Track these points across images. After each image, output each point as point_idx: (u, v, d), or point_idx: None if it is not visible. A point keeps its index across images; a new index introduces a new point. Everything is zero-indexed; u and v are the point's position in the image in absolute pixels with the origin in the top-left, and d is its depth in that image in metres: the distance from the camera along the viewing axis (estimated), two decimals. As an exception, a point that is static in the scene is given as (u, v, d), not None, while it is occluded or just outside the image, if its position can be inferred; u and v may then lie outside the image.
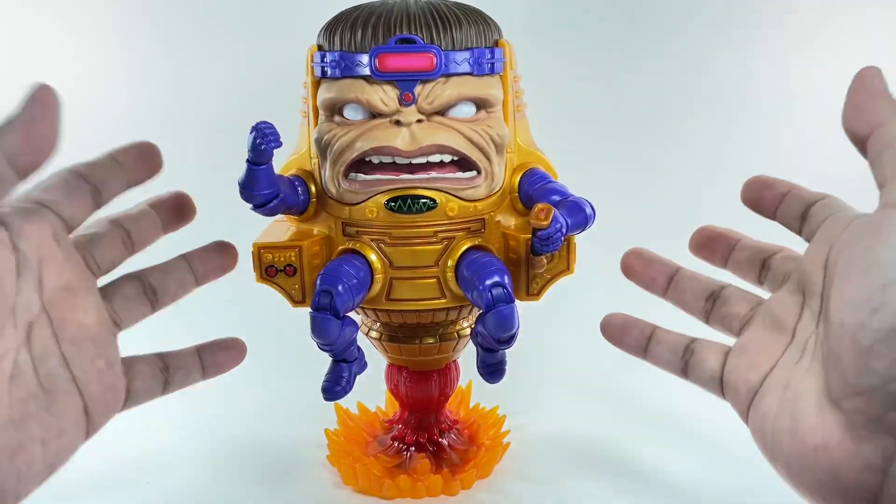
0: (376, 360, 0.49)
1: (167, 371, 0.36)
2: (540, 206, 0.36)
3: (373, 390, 0.52)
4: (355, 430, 0.50)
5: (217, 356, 0.37)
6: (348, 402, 0.51)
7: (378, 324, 0.45)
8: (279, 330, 0.47)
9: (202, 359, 0.37)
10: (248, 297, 0.53)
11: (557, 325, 0.49)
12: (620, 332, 0.39)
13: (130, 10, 0.76)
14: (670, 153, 0.78)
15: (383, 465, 0.46)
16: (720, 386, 0.35)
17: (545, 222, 0.36)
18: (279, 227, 0.44)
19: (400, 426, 0.49)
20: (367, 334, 0.46)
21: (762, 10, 0.77)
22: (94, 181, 0.33)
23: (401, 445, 0.48)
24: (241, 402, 0.57)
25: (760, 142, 0.78)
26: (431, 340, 0.45)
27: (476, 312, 0.45)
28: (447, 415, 0.49)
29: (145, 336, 0.68)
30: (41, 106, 0.29)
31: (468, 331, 0.45)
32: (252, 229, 0.43)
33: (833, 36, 0.78)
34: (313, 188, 0.41)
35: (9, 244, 0.29)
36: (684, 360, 0.36)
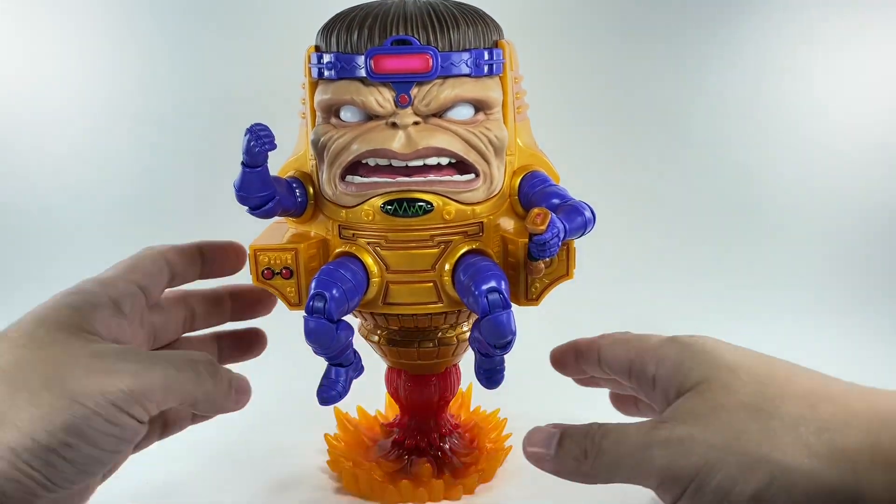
0: (377, 363, 0.48)
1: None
2: (536, 210, 0.36)
3: (373, 394, 0.52)
4: (355, 434, 0.50)
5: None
6: (348, 405, 0.51)
7: (378, 327, 0.45)
8: (276, 334, 0.47)
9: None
10: None
11: (560, 326, 0.49)
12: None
13: (130, 10, 0.76)
14: (672, 154, 0.77)
15: (384, 470, 0.46)
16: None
17: (541, 227, 0.35)
18: (278, 230, 0.43)
19: (400, 431, 0.48)
20: (366, 337, 0.46)
21: (765, 10, 0.76)
22: (176, 270, 0.41)
23: (401, 450, 0.47)
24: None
25: (763, 142, 0.77)
26: (430, 345, 0.44)
27: (473, 317, 0.44)
28: (448, 418, 0.49)
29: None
30: None
31: (467, 335, 0.45)
32: (251, 230, 0.43)
33: (837, 37, 0.76)
34: (311, 190, 0.41)
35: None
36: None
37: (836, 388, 0.31)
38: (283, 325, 0.49)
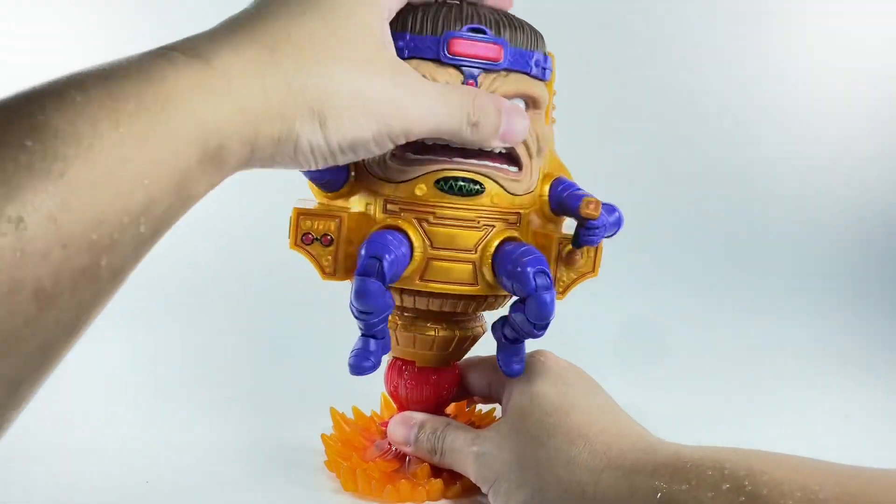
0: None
1: None
2: (588, 198, 0.39)
3: (367, 394, 0.51)
4: (352, 435, 0.48)
5: None
6: (343, 406, 0.50)
7: (396, 311, 0.44)
8: (273, 337, 0.46)
9: None
10: (244, 303, 0.51)
11: (557, 323, 0.50)
12: None
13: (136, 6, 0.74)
14: (674, 155, 0.79)
15: (382, 469, 0.44)
16: None
17: (596, 213, 0.38)
18: (307, 203, 0.43)
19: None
20: None
21: (768, 9, 0.80)
22: None
23: (399, 450, 0.46)
24: (238, 406, 0.55)
25: (765, 138, 0.80)
26: (447, 333, 0.44)
27: (494, 313, 0.45)
28: (444, 415, 0.49)
29: (147, 340, 0.64)
30: None
31: (480, 330, 0.46)
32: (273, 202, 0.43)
33: (839, 35, 0.81)
34: (352, 170, 0.42)
35: None
36: None
37: (597, 427, 0.39)
38: (279, 327, 0.48)
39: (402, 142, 0.35)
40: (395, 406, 0.48)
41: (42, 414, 0.51)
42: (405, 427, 0.45)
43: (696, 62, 0.83)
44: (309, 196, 0.44)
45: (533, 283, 0.38)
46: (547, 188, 0.44)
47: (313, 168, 0.33)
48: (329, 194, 0.42)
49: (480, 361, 0.48)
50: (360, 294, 0.37)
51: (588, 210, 0.38)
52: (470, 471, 0.42)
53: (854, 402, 0.58)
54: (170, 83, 0.27)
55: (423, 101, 0.34)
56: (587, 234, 0.39)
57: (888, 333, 0.69)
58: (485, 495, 0.42)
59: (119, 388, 0.58)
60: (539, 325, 0.39)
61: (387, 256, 0.37)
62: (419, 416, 0.45)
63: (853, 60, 0.84)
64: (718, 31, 0.83)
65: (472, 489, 0.44)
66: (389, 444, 0.46)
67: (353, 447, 0.47)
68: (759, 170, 0.81)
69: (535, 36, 0.42)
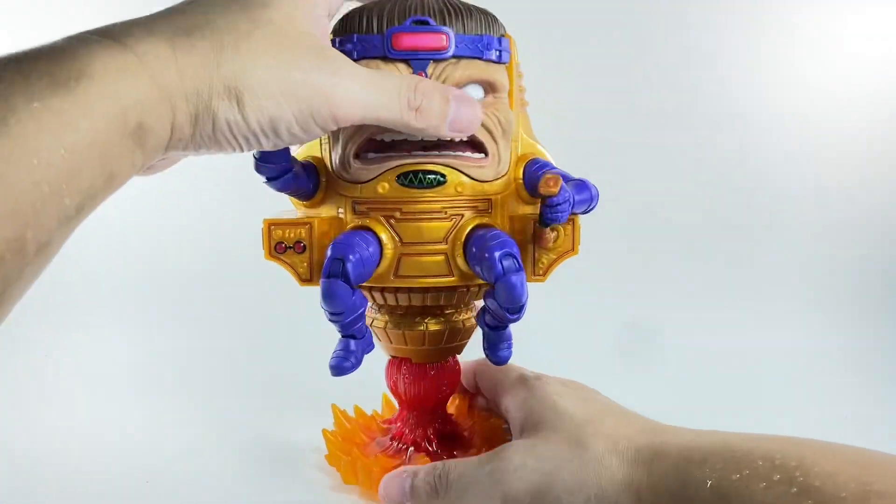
0: (375, 363, 0.48)
1: None
2: (549, 175, 0.38)
3: (370, 393, 0.52)
4: (353, 431, 0.49)
5: None
6: (345, 404, 0.51)
7: (383, 309, 0.45)
8: (274, 334, 0.47)
9: None
10: (245, 301, 0.52)
11: (557, 322, 0.49)
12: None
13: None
14: (672, 149, 0.78)
15: (383, 465, 0.45)
16: None
17: (554, 189, 0.37)
18: (289, 214, 0.44)
19: (398, 424, 0.48)
20: (371, 324, 0.46)
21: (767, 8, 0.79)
22: None
23: (400, 445, 0.46)
24: (239, 403, 0.56)
25: (768, 139, 0.78)
26: (438, 327, 0.44)
27: (479, 302, 0.45)
28: (446, 413, 0.49)
29: (146, 338, 0.67)
30: None
31: (472, 321, 0.46)
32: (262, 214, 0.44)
33: (837, 28, 0.79)
34: (323, 177, 0.42)
35: None
36: None
37: (634, 428, 0.39)
38: (280, 325, 0.49)
39: (333, 127, 0.35)
40: (396, 405, 0.48)
41: (43, 414, 0.55)
42: (398, 480, 0.43)
43: (698, 61, 0.82)
44: (291, 208, 0.45)
45: (500, 266, 0.38)
46: (521, 171, 0.44)
47: (238, 150, 0.34)
48: (306, 203, 0.43)
49: (489, 368, 0.47)
50: (326, 295, 0.38)
51: (547, 187, 0.37)
52: (497, 491, 0.39)
53: (854, 402, 0.55)
54: (83, 61, 0.28)
55: (350, 84, 0.34)
56: (550, 213, 0.38)
57: (889, 334, 0.65)
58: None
59: (118, 387, 0.60)
60: (512, 310, 0.39)
61: (351, 257, 0.38)
62: (409, 468, 0.43)
63: (854, 61, 0.82)
64: (729, 27, 0.82)
65: None
66: (391, 440, 0.47)
67: (354, 443, 0.47)
68: (762, 170, 0.79)
69: (487, 20, 0.41)
